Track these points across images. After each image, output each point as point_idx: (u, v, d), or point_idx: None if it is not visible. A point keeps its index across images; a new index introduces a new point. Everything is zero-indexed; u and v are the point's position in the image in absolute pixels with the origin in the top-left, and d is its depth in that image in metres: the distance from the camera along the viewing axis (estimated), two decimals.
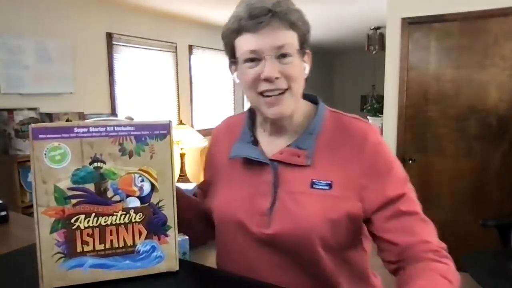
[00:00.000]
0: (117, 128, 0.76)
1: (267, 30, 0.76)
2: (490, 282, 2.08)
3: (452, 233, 3.15)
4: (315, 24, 4.62)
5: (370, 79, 5.92)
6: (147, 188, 0.79)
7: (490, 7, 2.77)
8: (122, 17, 3.49)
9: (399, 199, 0.77)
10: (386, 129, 3.33)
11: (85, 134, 0.75)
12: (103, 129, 0.76)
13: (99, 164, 0.76)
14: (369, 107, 3.91)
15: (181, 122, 3.89)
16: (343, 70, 7.31)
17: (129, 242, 0.79)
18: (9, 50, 2.66)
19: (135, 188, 0.78)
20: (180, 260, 0.84)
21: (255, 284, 0.81)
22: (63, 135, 0.74)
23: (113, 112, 3.42)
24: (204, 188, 0.99)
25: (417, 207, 0.79)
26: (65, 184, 0.74)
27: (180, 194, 0.92)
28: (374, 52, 4.44)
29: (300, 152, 0.81)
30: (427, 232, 0.76)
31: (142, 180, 0.78)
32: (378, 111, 3.74)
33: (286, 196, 0.80)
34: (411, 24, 3.09)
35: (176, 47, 4.06)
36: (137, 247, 0.79)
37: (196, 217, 0.97)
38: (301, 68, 0.81)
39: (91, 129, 0.75)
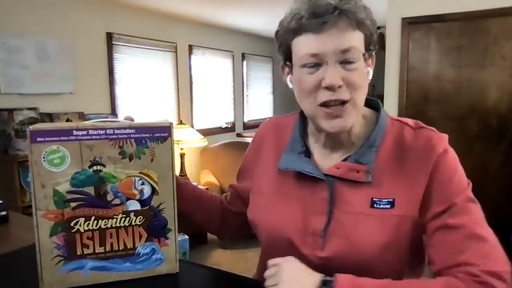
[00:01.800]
0: (117, 131, 0.75)
1: (332, 31, 0.67)
2: None
3: None
4: None
5: (370, 79, 5.92)
6: (147, 191, 0.78)
7: (490, 7, 2.77)
8: (122, 17, 3.49)
9: (447, 212, 0.67)
10: None
11: (84, 137, 0.73)
12: (103, 131, 0.74)
13: (98, 167, 0.75)
14: None
15: (181, 122, 3.89)
16: None
17: (129, 245, 0.79)
18: (9, 50, 2.66)
19: (135, 191, 0.77)
20: (180, 260, 0.84)
21: (254, 285, 0.81)
22: (62, 138, 0.72)
23: (113, 112, 3.42)
24: (242, 193, 0.92)
25: (476, 225, 0.66)
26: (64, 187, 0.73)
27: (183, 184, 0.90)
28: (374, 52, 4.44)
29: (360, 167, 0.73)
30: (475, 253, 0.63)
31: (143, 183, 0.77)
32: None
33: (343, 216, 0.72)
34: (411, 24, 3.08)
35: (176, 47, 4.06)
36: (137, 249, 0.79)
37: (200, 208, 0.94)
38: (365, 74, 0.72)
39: (91, 131, 0.74)
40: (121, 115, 3.48)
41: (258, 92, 5.56)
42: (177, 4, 3.48)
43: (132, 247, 0.79)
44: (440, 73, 3.05)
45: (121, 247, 0.78)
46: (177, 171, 3.69)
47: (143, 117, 3.73)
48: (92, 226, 0.76)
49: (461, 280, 0.61)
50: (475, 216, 0.68)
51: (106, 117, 3.07)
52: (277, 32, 0.76)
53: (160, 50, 3.89)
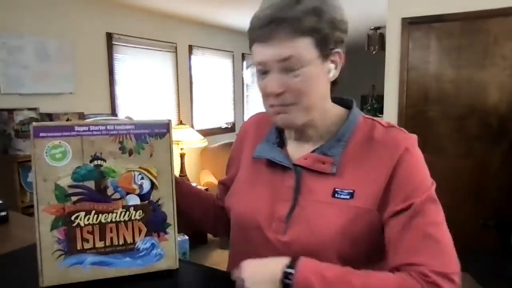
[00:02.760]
0: (117, 127, 0.77)
1: (272, 41, 0.70)
2: (490, 282, 2.08)
3: (452, 233, 3.15)
4: None
5: (370, 79, 5.91)
6: (146, 185, 0.80)
7: (490, 7, 2.77)
8: (122, 17, 3.49)
9: (406, 212, 0.69)
10: None
11: (85, 133, 0.76)
12: (104, 127, 0.77)
13: (99, 162, 0.77)
14: (369, 107, 3.91)
15: (181, 122, 3.89)
16: (343, 70, 7.30)
17: (129, 240, 0.80)
18: (9, 50, 2.66)
19: (135, 186, 0.79)
20: (179, 260, 0.84)
21: None
22: (64, 134, 0.75)
23: (113, 112, 3.42)
24: (228, 184, 0.95)
25: (431, 227, 0.69)
26: (65, 181, 0.75)
27: (181, 182, 0.92)
28: (374, 52, 4.44)
29: (326, 159, 0.77)
30: (430, 254, 0.66)
31: (142, 178, 0.79)
32: (378, 111, 3.74)
33: (306, 204, 0.76)
34: (411, 24, 3.09)
35: (176, 47, 4.06)
36: (137, 244, 0.80)
37: (197, 205, 0.97)
38: (317, 76, 0.74)
39: (92, 127, 0.76)
40: (121, 115, 3.48)
41: (258, 92, 5.54)
42: (177, 4, 3.48)
43: (132, 241, 0.80)
44: (440, 73, 3.05)
45: (121, 241, 0.79)
46: (177, 171, 3.69)
47: (143, 117, 3.73)
48: (93, 220, 0.77)
49: (413, 278, 0.64)
50: (433, 218, 0.70)
51: (106, 117, 3.08)
52: None
53: (160, 50, 3.90)
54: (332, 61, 0.76)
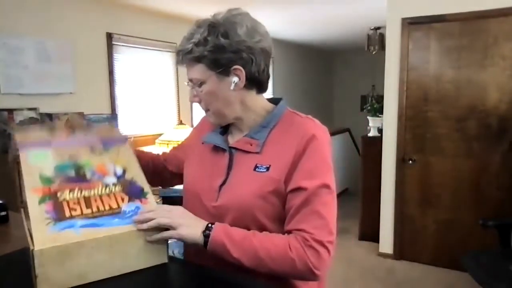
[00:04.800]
0: (87, 139, 0.97)
1: (183, 66, 0.96)
2: (490, 282, 2.08)
3: (452, 233, 3.15)
4: (316, 24, 4.61)
5: (370, 79, 5.92)
6: (119, 171, 0.94)
7: (490, 7, 2.78)
8: (122, 17, 3.49)
9: (303, 191, 0.88)
10: (386, 129, 3.33)
11: (61, 145, 0.93)
12: (75, 141, 0.96)
13: (76, 159, 0.92)
14: (369, 107, 3.89)
15: (181, 122, 3.89)
16: (343, 70, 7.31)
17: (114, 206, 0.87)
18: (9, 50, 2.66)
19: (110, 171, 0.93)
20: (175, 258, 0.88)
21: (249, 284, 0.85)
22: (44, 146, 0.91)
23: (113, 112, 3.42)
24: (179, 154, 1.17)
25: (320, 206, 0.88)
26: (48, 173, 0.87)
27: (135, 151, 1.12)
28: (374, 52, 4.44)
29: (253, 141, 0.96)
30: (313, 225, 0.87)
31: (114, 166, 0.94)
32: (378, 111, 3.73)
33: (234, 177, 0.95)
34: (411, 24, 3.09)
35: (176, 47, 4.06)
36: (122, 208, 0.87)
37: (147, 165, 1.15)
38: (217, 89, 0.94)
39: (66, 141, 0.94)
40: (121, 115, 3.48)
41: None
42: (177, 4, 3.48)
43: (117, 207, 0.87)
44: (440, 73, 3.05)
45: (107, 207, 0.86)
46: None
47: (143, 117, 3.74)
48: (77, 195, 0.85)
49: (297, 241, 0.86)
50: (323, 199, 0.90)
51: (106, 117, 3.08)
52: None
53: (160, 50, 3.90)
54: (235, 74, 0.93)
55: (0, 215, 1.20)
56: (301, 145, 0.91)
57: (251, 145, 0.96)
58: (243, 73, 0.93)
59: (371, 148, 3.65)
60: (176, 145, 1.28)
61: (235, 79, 0.93)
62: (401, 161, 3.24)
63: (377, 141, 3.48)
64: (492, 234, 2.52)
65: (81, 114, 2.89)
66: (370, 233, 3.61)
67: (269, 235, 0.88)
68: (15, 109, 2.52)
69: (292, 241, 0.86)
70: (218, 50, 0.90)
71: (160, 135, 3.72)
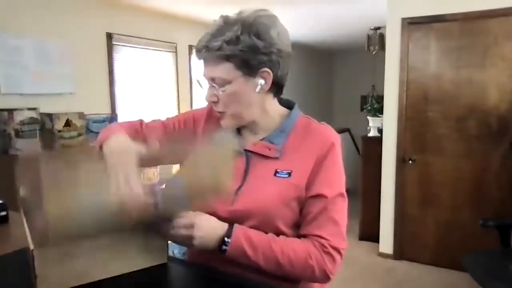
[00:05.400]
0: None
1: (206, 63, 0.90)
2: (490, 282, 2.08)
3: (452, 233, 3.15)
4: (316, 24, 4.60)
5: (370, 79, 5.91)
6: None
7: (490, 7, 2.78)
8: (122, 17, 3.49)
9: (324, 198, 0.90)
10: (386, 129, 3.32)
11: None
12: None
13: None
14: (369, 107, 3.89)
15: None
16: (343, 70, 7.30)
17: None
18: (9, 50, 2.66)
19: None
20: (175, 258, 0.88)
21: (249, 284, 0.85)
22: None
23: (113, 112, 3.42)
24: (169, 127, 1.08)
25: (336, 214, 0.91)
26: None
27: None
28: (374, 52, 4.44)
29: (271, 146, 0.95)
30: (330, 231, 0.89)
31: None
32: (378, 111, 3.73)
33: (253, 181, 0.93)
34: (411, 24, 3.09)
35: (176, 47, 4.06)
36: None
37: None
38: (241, 91, 0.90)
39: None
40: (121, 115, 3.48)
41: None
42: (177, 4, 3.48)
43: None
44: (440, 73, 3.05)
45: None
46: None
47: (143, 118, 3.73)
48: None
49: (316, 248, 0.88)
50: (339, 207, 0.92)
51: (106, 117, 3.07)
52: None
53: (160, 50, 3.89)
54: (262, 77, 0.90)
55: (0, 215, 1.20)
56: (322, 153, 0.92)
57: (269, 149, 0.94)
58: (270, 76, 0.91)
59: (371, 148, 3.65)
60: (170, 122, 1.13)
61: (262, 81, 0.90)
62: (401, 161, 3.24)
63: (377, 141, 3.48)
64: (492, 234, 2.52)
65: (81, 114, 2.89)
66: (370, 233, 3.61)
67: (288, 240, 0.89)
68: (15, 109, 2.51)
69: (311, 248, 0.88)
70: (251, 51, 0.87)
71: None
